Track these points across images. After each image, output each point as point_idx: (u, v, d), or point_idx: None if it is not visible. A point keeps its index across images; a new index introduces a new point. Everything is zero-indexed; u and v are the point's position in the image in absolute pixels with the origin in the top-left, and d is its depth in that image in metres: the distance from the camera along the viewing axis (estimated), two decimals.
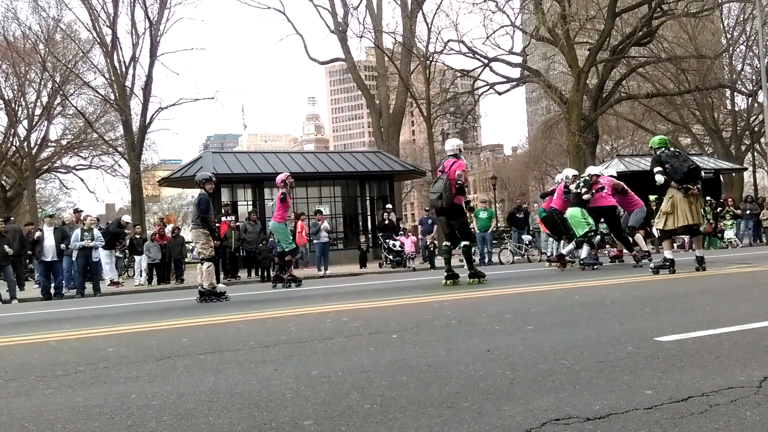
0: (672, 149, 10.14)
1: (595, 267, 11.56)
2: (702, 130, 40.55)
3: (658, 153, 9.91)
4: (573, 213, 11.85)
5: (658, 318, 5.41)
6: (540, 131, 50.09)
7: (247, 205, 22.38)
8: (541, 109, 61.97)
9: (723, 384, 3.18)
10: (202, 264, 9.71)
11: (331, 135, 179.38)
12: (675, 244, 13.01)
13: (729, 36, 37.84)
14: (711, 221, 16.50)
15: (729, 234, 19.78)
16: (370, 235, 22.95)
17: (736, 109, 40.31)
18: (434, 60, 31.75)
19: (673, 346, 4.16)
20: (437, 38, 37.32)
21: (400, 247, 18.78)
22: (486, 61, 31.58)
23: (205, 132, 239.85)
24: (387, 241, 19.13)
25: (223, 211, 19.27)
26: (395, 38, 31.13)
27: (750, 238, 20.99)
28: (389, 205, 21.21)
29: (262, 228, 18.42)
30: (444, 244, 10.53)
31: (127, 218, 19.17)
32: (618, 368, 3.65)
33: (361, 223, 23.78)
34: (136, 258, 17.67)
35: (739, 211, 20.76)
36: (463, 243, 10.16)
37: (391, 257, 18.90)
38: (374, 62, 33.87)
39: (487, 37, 35.61)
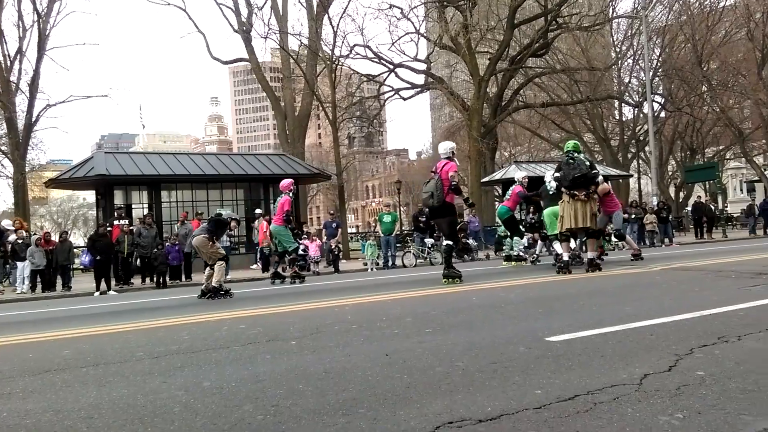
0: (573, 156, 10.54)
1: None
2: (593, 139, 42.88)
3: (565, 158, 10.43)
4: (550, 212, 12.20)
5: (549, 319, 5.62)
6: (443, 137, 51.28)
7: (143, 208, 21.38)
8: (445, 115, 63.59)
9: (607, 382, 3.33)
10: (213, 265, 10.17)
11: (235, 137, 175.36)
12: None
13: (618, 50, 40.25)
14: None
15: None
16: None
17: (624, 119, 42.95)
18: (340, 64, 31.73)
19: (562, 346, 4.32)
20: (343, 42, 37.20)
21: (304, 251, 18.57)
22: (391, 66, 31.94)
23: (99, 131, 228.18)
24: None
25: (115, 214, 18.31)
26: (301, 40, 30.86)
27: (635, 241, 22.35)
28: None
29: (158, 232, 17.64)
30: (445, 243, 10.53)
31: (6, 222, 17.80)
32: (510, 369, 3.74)
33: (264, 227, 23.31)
34: (19, 264, 16.44)
35: (625, 216, 22.08)
36: (445, 242, 10.27)
37: None
38: (279, 64, 33.45)
39: (393, 43, 36.28)
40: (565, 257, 10.45)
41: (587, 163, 10.42)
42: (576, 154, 10.56)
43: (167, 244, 16.65)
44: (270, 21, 29.39)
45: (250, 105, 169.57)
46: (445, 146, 10.63)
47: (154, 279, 16.55)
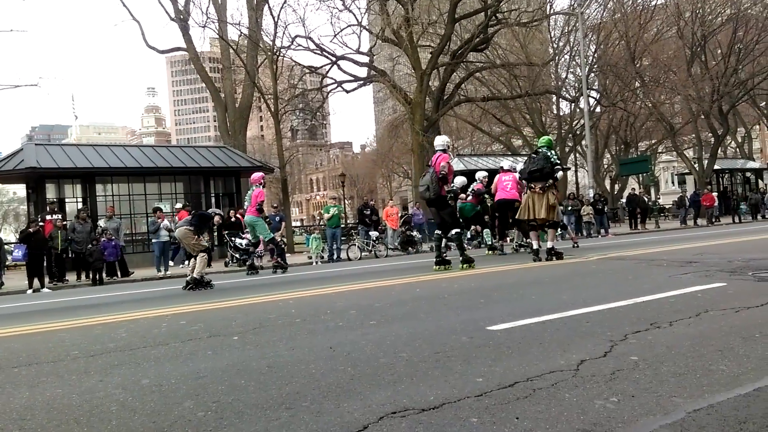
0: (538, 151, 11.01)
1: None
2: (532, 133, 43.81)
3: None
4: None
5: (490, 308, 5.72)
6: (386, 130, 51.44)
7: (77, 202, 20.61)
8: (388, 108, 63.63)
9: (545, 368, 3.42)
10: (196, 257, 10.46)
11: (174, 128, 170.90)
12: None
13: (555, 46, 41.20)
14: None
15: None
16: (215, 233, 22.17)
17: (561, 113, 44.08)
18: (282, 55, 31.35)
19: (502, 335, 4.41)
20: (284, 33, 37.03)
21: (247, 245, 18.30)
22: (334, 59, 31.74)
23: (30, 122, 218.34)
24: (233, 239, 18.57)
25: (48, 209, 17.58)
26: (240, 30, 30.29)
27: (573, 231, 23.01)
28: (178, 205, 20.51)
29: (93, 227, 17.04)
30: (435, 232, 11.04)
31: None
32: (453, 358, 3.80)
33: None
34: None
35: (562, 207, 22.71)
36: (453, 231, 10.62)
37: (237, 256, 18.35)
38: (219, 54, 32.72)
39: (335, 35, 36.09)
40: (535, 245, 11.00)
41: (550, 159, 10.76)
42: (543, 150, 10.94)
43: (103, 239, 16.09)
44: (208, 10, 28.75)
45: (189, 96, 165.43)
46: (441, 140, 11.02)
47: (90, 275, 15.98)
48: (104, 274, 16.00)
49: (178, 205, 19.87)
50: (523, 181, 11.37)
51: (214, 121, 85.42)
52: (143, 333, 5.59)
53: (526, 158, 11.36)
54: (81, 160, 20.31)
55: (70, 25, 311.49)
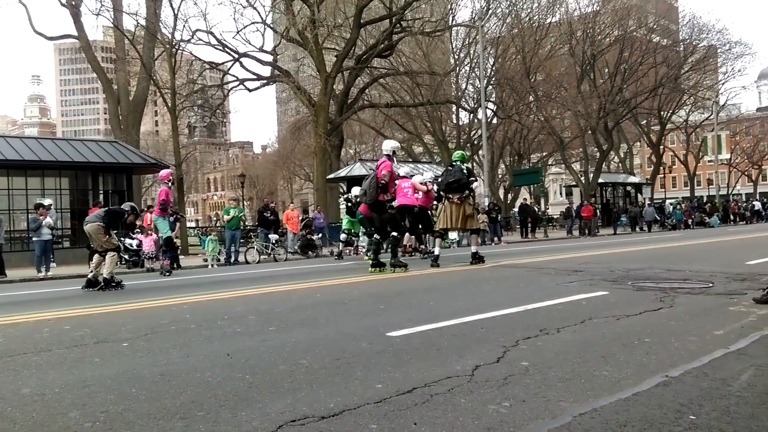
0: (454, 164, 11.64)
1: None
2: (432, 141, 44.90)
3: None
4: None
5: (389, 314, 5.80)
6: (289, 131, 50.96)
7: None
8: (291, 109, 62.98)
9: (443, 374, 3.51)
10: (106, 254, 10.04)
11: (60, 119, 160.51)
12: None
13: (456, 57, 42.46)
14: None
15: (453, 235, 22.15)
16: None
17: (461, 123, 45.47)
18: (181, 49, 30.29)
19: (401, 341, 4.48)
20: (185, 26, 35.89)
21: (138, 246, 17.50)
22: (236, 56, 31.08)
23: None
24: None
25: None
26: (137, 20, 29.01)
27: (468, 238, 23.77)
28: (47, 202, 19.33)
29: None
30: (374, 237, 11.30)
31: None
32: (353, 365, 3.81)
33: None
34: None
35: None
36: (392, 234, 11.06)
37: (126, 257, 17.49)
38: (113, 44, 31.17)
39: (238, 32, 35.44)
40: (436, 251, 11.62)
41: (465, 171, 11.37)
42: (457, 163, 11.59)
43: None
44: None
45: (78, 86, 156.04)
46: (387, 145, 11.39)
47: None
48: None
49: (49, 202, 18.51)
50: (441, 192, 11.89)
51: (105, 113, 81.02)
52: (23, 338, 5.21)
53: (443, 171, 11.94)
54: None
55: None
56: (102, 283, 9.86)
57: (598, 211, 31.97)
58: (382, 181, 10.61)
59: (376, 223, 11.15)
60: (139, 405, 3.12)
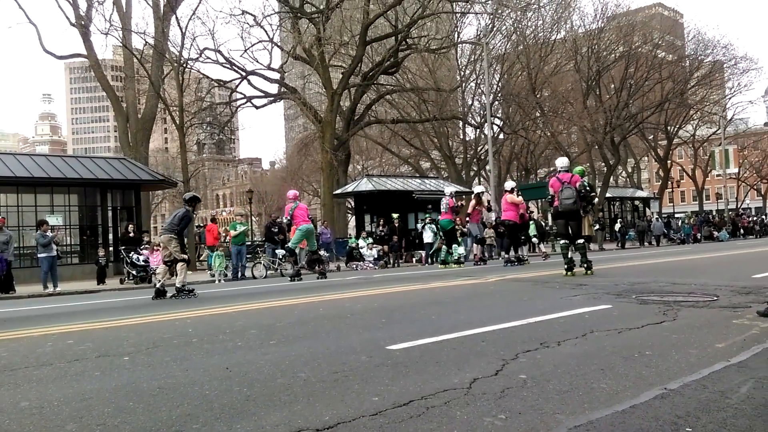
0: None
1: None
2: (439, 156, 45.00)
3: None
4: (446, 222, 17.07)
5: (391, 328, 5.79)
6: (296, 148, 51.20)
7: None
8: (298, 126, 63.47)
9: (440, 387, 3.50)
10: (175, 264, 10.52)
11: (70, 137, 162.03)
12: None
13: (462, 73, 42.65)
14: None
15: (460, 250, 22.14)
16: (111, 249, 21.15)
17: (467, 138, 45.57)
18: (189, 67, 30.60)
19: (401, 354, 4.47)
20: (192, 45, 35.99)
21: (144, 261, 17.59)
22: (244, 73, 31.38)
23: None
24: (130, 255, 17.79)
25: None
26: (146, 40, 29.32)
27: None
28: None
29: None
30: (562, 242, 11.71)
31: None
32: (351, 378, 3.81)
33: (101, 236, 21.77)
34: None
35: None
36: (579, 240, 11.60)
37: (134, 272, 17.59)
38: (122, 62, 31.52)
39: (245, 50, 35.58)
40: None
41: (587, 187, 11.75)
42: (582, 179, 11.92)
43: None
44: (111, 17, 27.61)
45: (89, 104, 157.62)
46: (562, 162, 12.04)
47: None
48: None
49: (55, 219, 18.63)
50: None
51: (115, 131, 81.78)
52: (26, 353, 5.23)
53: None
54: None
55: None
56: (175, 292, 10.29)
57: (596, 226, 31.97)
58: (582, 191, 11.19)
59: (574, 229, 11.43)
60: (135, 418, 3.13)
